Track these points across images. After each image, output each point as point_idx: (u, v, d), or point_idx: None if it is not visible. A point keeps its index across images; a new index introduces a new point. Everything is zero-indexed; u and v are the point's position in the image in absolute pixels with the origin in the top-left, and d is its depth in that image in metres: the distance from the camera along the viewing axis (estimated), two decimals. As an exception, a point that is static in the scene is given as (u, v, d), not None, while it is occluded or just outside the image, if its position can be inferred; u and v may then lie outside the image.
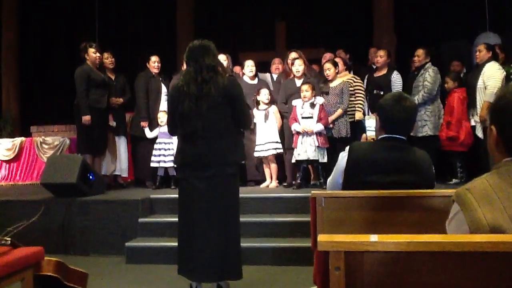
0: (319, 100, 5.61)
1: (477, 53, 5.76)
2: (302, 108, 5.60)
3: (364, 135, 5.76)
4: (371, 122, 5.51)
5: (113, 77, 6.49)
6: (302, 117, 5.57)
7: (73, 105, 5.99)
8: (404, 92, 2.58)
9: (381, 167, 2.28)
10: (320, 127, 5.50)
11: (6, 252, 2.60)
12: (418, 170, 2.31)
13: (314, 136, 5.50)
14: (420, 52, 6.06)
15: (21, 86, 10.08)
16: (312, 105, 5.56)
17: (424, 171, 2.33)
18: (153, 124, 6.35)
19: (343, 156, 2.39)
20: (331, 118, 5.73)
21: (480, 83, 5.53)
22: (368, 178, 2.28)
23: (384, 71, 6.26)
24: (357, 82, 6.10)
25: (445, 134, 5.76)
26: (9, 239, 2.67)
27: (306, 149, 5.49)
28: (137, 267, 4.46)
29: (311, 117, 5.53)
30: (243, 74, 6.47)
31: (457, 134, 5.67)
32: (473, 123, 5.69)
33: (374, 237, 1.15)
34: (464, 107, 5.75)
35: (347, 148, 2.40)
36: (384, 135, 2.36)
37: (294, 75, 6.00)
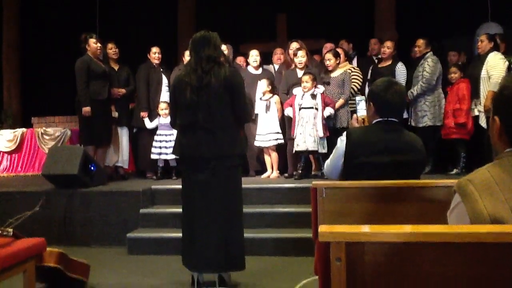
0: (319, 90, 5.61)
1: (479, 43, 5.74)
2: (301, 98, 5.60)
3: (354, 115, 5.78)
4: (363, 104, 5.52)
5: (116, 68, 6.47)
6: (302, 107, 5.57)
7: (74, 97, 5.98)
8: (392, 78, 2.69)
9: (380, 148, 2.40)
10: (330, 110, 5.57)
11: (8, 243, 2.61)
12: (413, 150, 2.44)
13: (316, 126, 5.50)
14: (420, 42, 6.06)
15: (22, 79, 10.07)
16: (313, 96, 5.55)
17: (419, 151, 2.47)
18: (153, 115, 6.35)
19: (342, 140, 2.51)
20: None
21: (483, 73, 5.51)
22: (368, 159, 2.39)
23: (389, 62, 6.26)
24: (355, 72, 6.10)
25: (453, 121, 5.73)
26: (11, 230, 2.68)
27: (305, 140, 5.50)
28: (138, 257, 4.48)
29: (312, 108, 5.53)
30: (247, 64, 6.45)
31: (466, 121, 5.66)
32: (476, 113, 5.68)
33: (375, 228, 1.15)
34: (470, 97, 5.74)
35: (345, 133, 2.53)
36: (379, 119, 2.49)
37: (296, 66, 5.98)
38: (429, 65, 5.89)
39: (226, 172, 3.34)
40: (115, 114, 6.36)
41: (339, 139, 2.55)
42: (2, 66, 9.98)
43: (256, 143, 5.93)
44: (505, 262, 1.08)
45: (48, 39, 10.08)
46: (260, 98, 5.99)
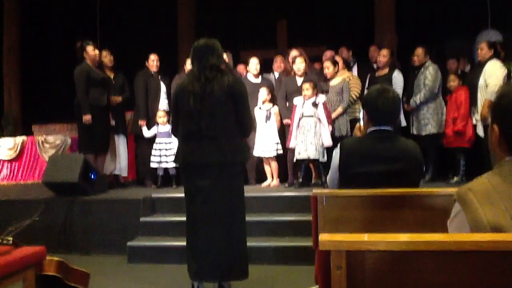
0: (321, 98, 5.61)
1: (479, 51, 5.74)
2: (302, 107, 5.61)
3: (357, 124, 5.80)
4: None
5: (112, 76, 6.47)
6: (304, 116, 5.58)
7: (74, 105, 5.97)
8: (386, 85, 2.68)
9: (372, 158, 2.39)
10: (330, 129, 5.58)
11: (8, 252, 2.60)
12: (407, 158, 2.41)
13: (317, 135, 5.51)
14: (419, 51, 6.06)
15: (22, 86, 10.09)
16: (315, 105, 5.56)
17: (413, 158, 2.43)
18: (152, 123, 6.34)
19: (336, 153, 2.51)
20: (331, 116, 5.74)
21: (481, 81, 5.50)
22: (360, 170, 2.38)
23: (385, 71, 6.25)
24: (353, 80, 6.12)
25: (452, 129, 5.73)
26: (11, 238, 2.67)
27: (307, 148, 5.50)
28: (138, 266, 4.47)
29: (312, 116, 5.54)
30: (247, 72, 6.46)
31: (464, 129, 5.66)
32: (474, 122, 5.68)
33: (375, 236, 1.15)
34: (469, 104, 5.74)
35: (339, 144, 2.54)
36: (372, 128, 2.49)
37: (295, 73, 5.99)
38: (430, 73, 5.89)
39: (229, 180, 3.34)
40: (112, 122, 6.36)
41: (334, 151, 2.56)
42: (2, 70, 10.01)
43: (256, 153, 5.93)
44: (505, 270, 1.08)
45: (49, 43, 10.11)
46: (260, 107, 5.99)
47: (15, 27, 9.97)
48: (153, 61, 6.47)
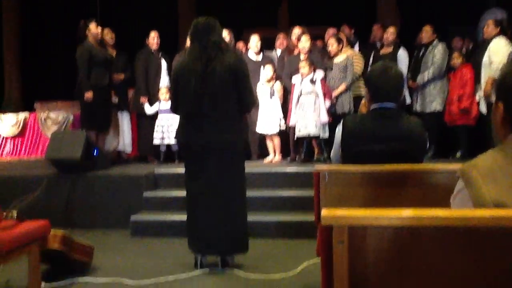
0: (319, 75, 5.60)
1: (485, 28, 5.66)
2: (300, 85, 5.60)
3: (363, 101, 5.79)
4: None
5: (114, 54, 6.42)
6: (303, 93, 5.58)
7: (76, 84, 5.93)
8: (389, 62, 2.61)
9: (374, 137, 2.35)
10: (328, 104, 5.57)
11: (12, 226, 2.62)
12: (409, 137, 2.36)
13: (317, 111, 5.50)
14: (427, 28, 6.00)
15: (23, 66, 10.01)
16: (313, 82, 5.55)
17: (416, 137, 2.38)
18: (153, 100, 6.32)
19: (339, 129, 2.48)
20: (334, 94, 5.72)
21: (485, 59, 5.45)
22: (362, 148, 2.35)
23: (390, 49, 6.19)
24: (356, 57, 6.07)
25: (458, 107, 5.70)
26: (15, 212, 2.69)
27: (307, 125, 5.49)
28: (141, 240, 4.52)
29: (312, 92, 5.53)
30: (247, 49, 6.40)
31: (470, 107, 5.64)
32: (477, 98, 5.65)
33: (377, 212, 1.15)
34: (474, 82, 5.70)
35: (342, 121, 2.50)
36: (375, 106, 2.44)
37: (300, 51, 5.94)
38: (439, 51, 5.85)
39: (229, 160, 3.36)
40: (115, 99, 6.34)
41: (337, 128, 2.53)
42: (3, 52, 9.93)
43: (259, 130, 5.93)
44: (507, 246, 1.09)
45: (49, 24, 10.01)
46: (262, 84, 5.96)
47: (16, 6, 9.84)
48: (153, 39, 6.41)
